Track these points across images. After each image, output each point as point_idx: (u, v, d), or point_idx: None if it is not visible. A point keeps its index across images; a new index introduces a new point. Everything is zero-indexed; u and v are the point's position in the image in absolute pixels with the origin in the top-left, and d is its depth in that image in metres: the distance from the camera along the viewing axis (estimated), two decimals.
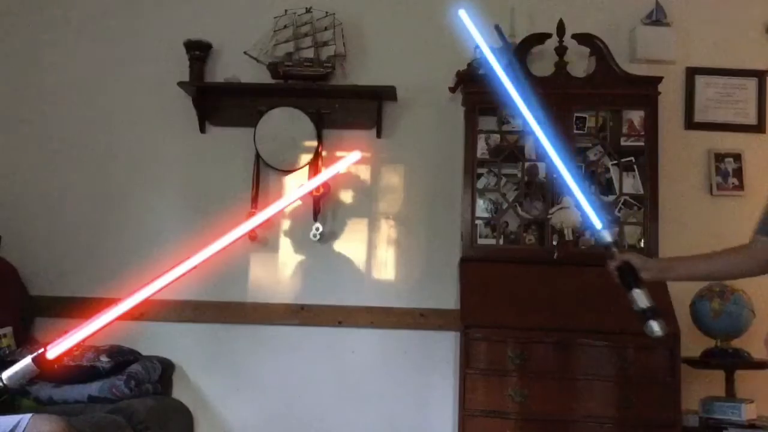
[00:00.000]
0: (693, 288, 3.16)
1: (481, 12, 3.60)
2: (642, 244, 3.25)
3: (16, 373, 1.31)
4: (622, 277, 1.90)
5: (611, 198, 3.32)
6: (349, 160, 1.66)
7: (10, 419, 1.95)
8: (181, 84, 3.54)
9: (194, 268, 1.44)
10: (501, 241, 3.35)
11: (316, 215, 3.54)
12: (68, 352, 1.37)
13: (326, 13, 3.56)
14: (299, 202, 3.57)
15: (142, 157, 3.67)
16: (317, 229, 3.52)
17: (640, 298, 1.85)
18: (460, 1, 3.66)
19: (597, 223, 1.95)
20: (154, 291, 1.43)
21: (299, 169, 3.57)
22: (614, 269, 1.92)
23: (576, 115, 3.32)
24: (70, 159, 3.69)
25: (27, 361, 1.31)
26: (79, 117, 3.71)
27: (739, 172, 3.51)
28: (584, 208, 1.94)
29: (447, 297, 3.45)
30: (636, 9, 3.56)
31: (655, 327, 1.82)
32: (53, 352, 1.34)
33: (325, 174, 1.57)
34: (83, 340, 1.37)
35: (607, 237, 1.95)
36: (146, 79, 3.70)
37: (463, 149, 3.36)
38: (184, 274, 1.43)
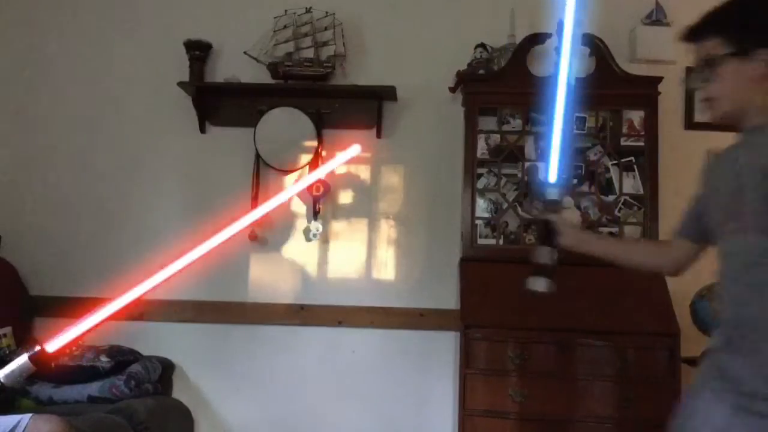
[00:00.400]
0: (693, 288, 3.16)
1: (480, 12, 3.63)
2: None
3: (13, 371, 1.30)
4: (542, 231, 1.95)
5: (611, 198, 3.32)
6: (348, 154, 1.65)
7: (11, 419, 1.95)
8: (181, 84, 3.54)
9: (191, 264, 1.44)
10: (501, 241, 3.35)
11: (316, 215, 3.54)
12: (65, 349, 1.36)
13: (326, 13, 3.56)
14: (297, 199, 3.58)
15: (142, 157, 3.67)
16: (317, 229, 3.52)
17: (543, 254, 1.91)
18: (459, 2, 3.67)
19: (552, 176, 1.94)
20: (151, 287, 1.43)
21: (299, 169, 3.57)
22: (539, 222, 1.97)
23: (576, 115, 3.32)
24: (70, 159, 3.69)
25: (23, 358, 1.30)
26: (79, 117, 3.71)
27: None
28: (552, 157, 1.93)
29: (447, 297, 3.45)
30: (636, 9, 3.56)
31: (540, 283, 1.90)
32: (50, 348, 1.33)
33: (325, 168, 1.56)
34: (80, 337, 1.36)
35: (551, 195, 1.96)
36: (146, 79, 3.70)
37: (463, 149, 3.36)
38: (180, 271, 1.43)
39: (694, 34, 1.62)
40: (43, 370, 1.34)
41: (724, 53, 1.55)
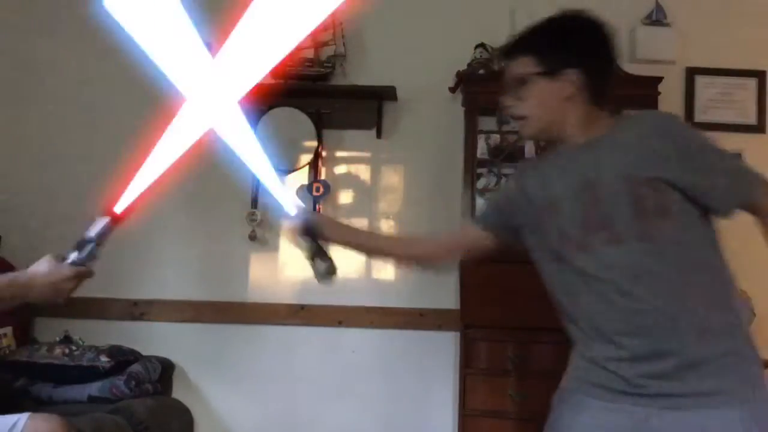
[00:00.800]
0: None
1: (481, 12, 3.63)
2: None
3: (99, 229, 1.63)
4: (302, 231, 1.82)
5: None
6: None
7: (8, 419, 1.95)
8: None
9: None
10: None
11: None
12: (134, 205, 1.68)
13: None
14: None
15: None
16: None
17: (303, 243, 1.82)
18: (459, 2, 3.67)
19: (290, 209, 1.83)
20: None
21: (299, 169, 3.57)
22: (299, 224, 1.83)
23: None
24: (69, 159, 3.69)
25: (104, 220, 1.64)
26: (79, 117, 3.71)
27: None
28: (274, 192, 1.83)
29: (447, 297, 3.45)
30: (636, 9, 3.56)
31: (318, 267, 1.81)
32: (119, 208, 1.67)
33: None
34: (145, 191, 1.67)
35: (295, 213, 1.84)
36: (146, 79, 3.69)
37: (463, 149, 3.36)
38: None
39: (507, 52, 1.68)
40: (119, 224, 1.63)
41: (533, 72, 1.60)
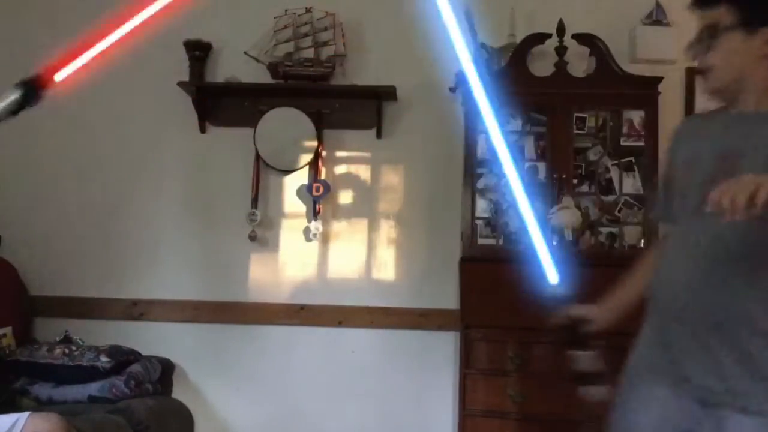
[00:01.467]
0: None
1: (481, 12, 3.62)
2: (642, 244, 3.25)
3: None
4: (571, 336, 1.78)
5: (611, 198, 3.32)
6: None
7: (9, 418, 1.95)
8: (181, 84, 3.54)
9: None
10: (501, 241, 3.35)
11: (316, 215, 3.54)
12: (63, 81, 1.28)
13: (326, 13, 3.56)
14: (297, 199, 3.58)
15: (142, 157, 3.67)
16: (317, 229, 3.53)
17: (583, 360, 1.75)
18: (459, 2, 3.67)
19: (552, 277, 1.75)
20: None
21: (299, 169, 3.58)
22: (563, 329, 1.78)
23: (576, 115, 3.32)
24: (69, 159, 3.69)
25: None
26: (79, 117, 3.71)
27: None
28: (542, 257, 1.74)
29: (447, 297, 3.45)
30: (636, 9, 3.55)
31: (595, 392, 1.75)
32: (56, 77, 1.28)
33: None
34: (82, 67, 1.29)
35: (556, 293, 1.77)
36: (146, 79, 3.70)
37: (463, 149, 3.36)
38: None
39: (705, 0, 1.58)
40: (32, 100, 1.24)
41: (730, 23, 1.52)
